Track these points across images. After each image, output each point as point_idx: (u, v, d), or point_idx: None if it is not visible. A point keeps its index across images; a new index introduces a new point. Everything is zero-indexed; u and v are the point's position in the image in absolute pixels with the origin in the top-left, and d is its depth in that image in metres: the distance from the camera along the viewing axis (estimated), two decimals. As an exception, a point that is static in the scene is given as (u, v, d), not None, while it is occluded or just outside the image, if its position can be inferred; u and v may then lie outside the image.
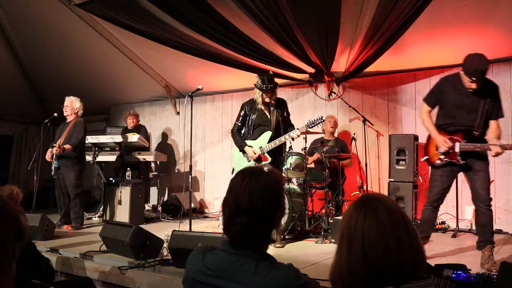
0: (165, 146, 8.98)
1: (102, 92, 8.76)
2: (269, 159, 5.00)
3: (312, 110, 7.41)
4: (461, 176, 5.92)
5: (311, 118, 5.02)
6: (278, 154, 5.13)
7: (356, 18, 5.38)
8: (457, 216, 5.76)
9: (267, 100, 5.04)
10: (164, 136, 9.07)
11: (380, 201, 1.35)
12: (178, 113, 8.84)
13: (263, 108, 5.12)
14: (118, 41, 7.12)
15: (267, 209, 1.55)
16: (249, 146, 5.08)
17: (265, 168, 1.69)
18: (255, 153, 5.01)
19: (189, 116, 5.00)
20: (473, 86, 3.69)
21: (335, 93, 6.92)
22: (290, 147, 5.93)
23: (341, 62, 6.51)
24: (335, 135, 6.79)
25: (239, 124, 5.24)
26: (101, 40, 7.04)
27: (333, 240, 4.91)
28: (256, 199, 1.54)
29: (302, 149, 5.71)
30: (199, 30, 5.88)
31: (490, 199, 3.81)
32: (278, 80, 7.35)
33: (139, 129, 8.03)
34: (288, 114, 5.30)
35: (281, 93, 7.69)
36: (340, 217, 5.14)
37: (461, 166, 3.91)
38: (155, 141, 9.08)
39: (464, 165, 3.87)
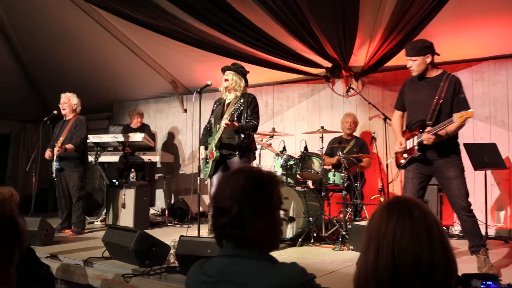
0: (171, 146, 9.01)
1: (105, 88, 8.81)
2: (214, 155, 4.98)
3: (329, 108, 7.38)
4: (490, 179, 5.94)
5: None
6: (232, 147, 4.99)
7: (376, 9, 5.33)
8: (486, 222, 5.68)
9: (224, 84, 5.10)
10: (171, 135, 9.10)
11: (414, 204, 1.34)
12: (186, 110, 8.85)
13: (224, 99, 5.17)
14: (122, 34, 7.15)
15: (239, 211, 1.52)
16: (207, 145, 5.16)
17: (257, 168, 1.67)
18: (201, 154, 5.14)
19: (197, 114, 4.99)
20: (412, 67, 4.00)
21: (353, 89, 6.87)
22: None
23: (360, 56, 6.47)
24: (356, 134, 6.76)
25: (209, 122, 5.33)
26: (104, 34, 7.07)
27: (352, 247, 4.90)
28: (230, 199, 1.53)
29: (318, 149, 5.70)
30: (208, 22, 5.88)
31: (470, 205, 3.89)
32: (292, 75, 7.40)
33: (143, 128, 8.07)
34: (254, 112, 5.04)
35: (295, 89, 7.74)
36: (359, 223, 5.13)
37: (424, 163, 4.02)
38: (161, 140, 9.11)
39: (423, 158, 3.99)
